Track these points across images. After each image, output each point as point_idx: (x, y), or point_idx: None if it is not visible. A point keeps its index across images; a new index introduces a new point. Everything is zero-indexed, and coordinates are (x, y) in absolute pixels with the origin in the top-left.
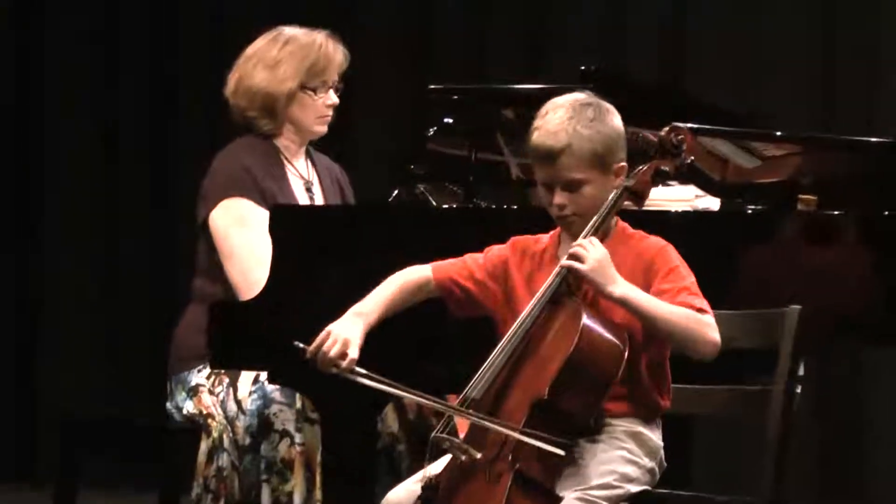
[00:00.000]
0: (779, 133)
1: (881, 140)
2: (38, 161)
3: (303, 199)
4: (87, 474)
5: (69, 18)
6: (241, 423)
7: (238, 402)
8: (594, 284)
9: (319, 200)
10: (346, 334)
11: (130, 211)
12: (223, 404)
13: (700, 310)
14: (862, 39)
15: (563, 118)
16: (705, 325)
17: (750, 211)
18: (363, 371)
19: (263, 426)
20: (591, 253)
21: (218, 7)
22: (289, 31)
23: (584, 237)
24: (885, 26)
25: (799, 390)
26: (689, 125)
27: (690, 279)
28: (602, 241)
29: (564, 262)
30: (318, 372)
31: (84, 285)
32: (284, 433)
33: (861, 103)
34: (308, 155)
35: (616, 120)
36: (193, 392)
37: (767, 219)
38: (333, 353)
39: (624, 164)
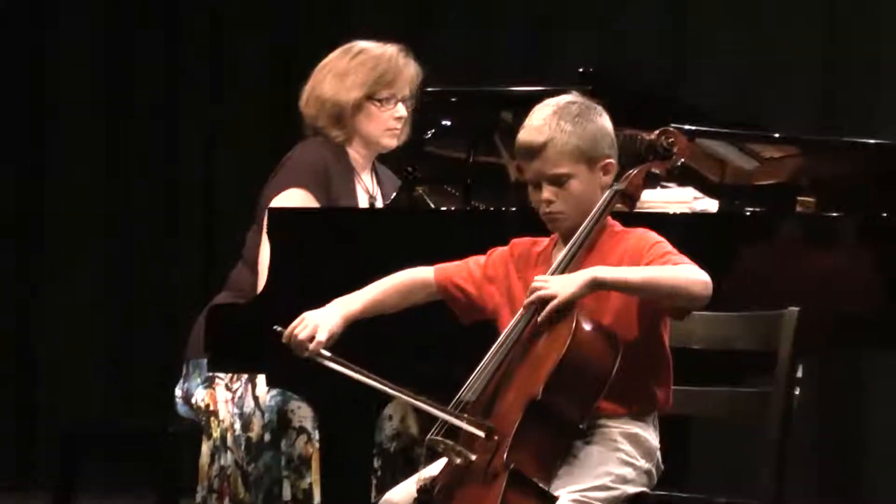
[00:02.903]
0: (777, 135)
1: (879, 142)
2: (39, 163)
3: None
4: (86, 479)
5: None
6: (257, 420)
7: (256, 398)
8: (571, 297)
9: None
10: (318, 320)
11: (133, 216)
12: (240, 400)
13: (678, 263)
14: (862, 42)
15: (546, 115)
16: (686, 270)
17: (749, 213)
18: (328, 355)
19: (282, 423)
20: (547, 284)
21: (216, 16)
22: (363, 43)
23: (576, 243)
24: (885, 29)
25: (798, 392)
26: (688, 127)
27: (672, 248)
28: (594, 243)
29: (541, 316)
30: (293, 356)
31: (85, 290)
32: (302, 430)
33: (861, 107)
34: (373, 168)
35: (602, 119)
36: (209, 382)
37: (766, 221)
38: (303, 335)
39: (612, 161)
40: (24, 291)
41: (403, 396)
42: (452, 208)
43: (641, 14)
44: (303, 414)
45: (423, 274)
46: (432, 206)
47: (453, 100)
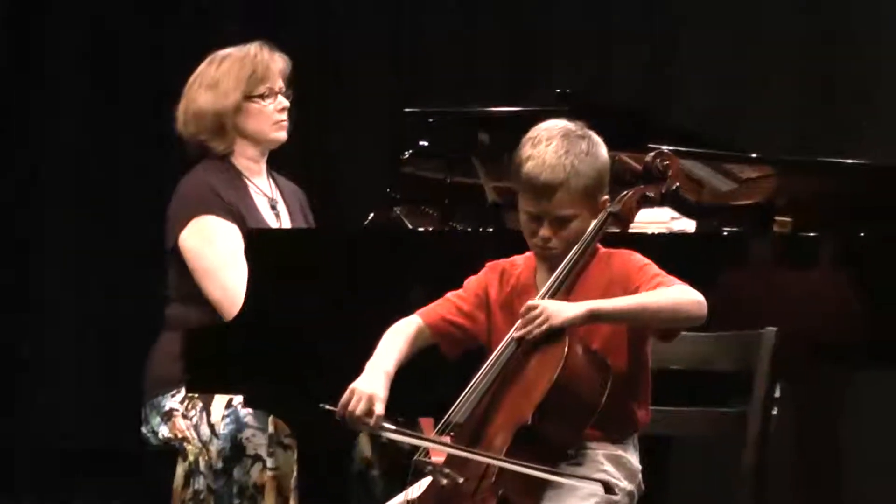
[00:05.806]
0: (754, 155)
1: (855, 162)
2: (27, 179)
3: (267, 216)
4: (71, 496)
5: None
6: (214, 447)
7: (211, 426)
8: (564, 324)
9: (285, 218)
10: (369, 391)
11: (120, 238)
12: (197, 428)
13: (670, 285)
14: (855, 63)
15: (559, 151)
16: (681, 292)
17: (726, 233)
18: (391, 427)
19: (236, 450)
20: (539, 311)
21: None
22: (223, 51)
23: (566, 266)
24: (885, 51)
25: (775, 412)
26: (666, 147)
27: (659, 270)
28: (584, 267)
29: (530, 336)
30: (348, 430)
31: (70, 310)
32: (257, 458)
33: (851, 126)
34: (269, 174)
35: (605, 152)
36: (167, 417)
37: (743, 241)
38: (360, 412)
39: (607, 197)
40: (14, 307)
41: (458, 452)
42: (429, 229)
43: (624, 39)
44: (257, 441)
45: (413, 323)
46: (409, 226)
47: (431, 121)
